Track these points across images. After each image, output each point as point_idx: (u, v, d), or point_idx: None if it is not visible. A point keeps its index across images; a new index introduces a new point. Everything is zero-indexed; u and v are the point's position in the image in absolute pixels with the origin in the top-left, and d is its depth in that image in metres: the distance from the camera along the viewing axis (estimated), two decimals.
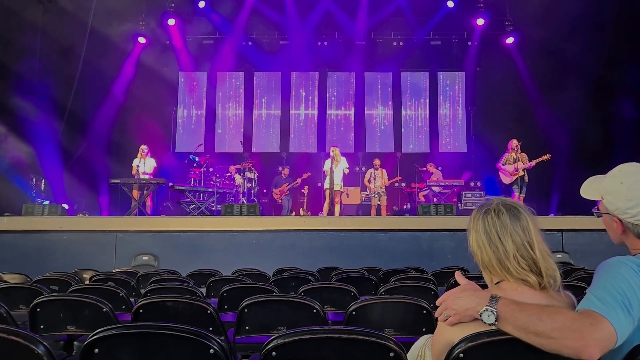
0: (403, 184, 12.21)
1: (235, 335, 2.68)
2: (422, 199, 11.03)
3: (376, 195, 10.48)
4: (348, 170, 10.24)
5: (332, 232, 7.36)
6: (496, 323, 1.37)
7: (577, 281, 3.33)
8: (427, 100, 14.01)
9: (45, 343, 1.51)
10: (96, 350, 1.53)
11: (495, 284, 1.55)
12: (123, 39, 12.10)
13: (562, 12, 10.68)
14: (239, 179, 11.03)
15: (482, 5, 12.80)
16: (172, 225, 7.58)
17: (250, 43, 13.77)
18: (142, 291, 3.72)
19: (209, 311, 2.57)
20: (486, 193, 11.30)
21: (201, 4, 12.90)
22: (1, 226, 7.21)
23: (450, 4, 12.81)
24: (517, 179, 9.29)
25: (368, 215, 10.41)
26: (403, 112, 13.96)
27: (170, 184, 9.89)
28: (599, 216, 1.68)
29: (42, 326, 2.73)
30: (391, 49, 13.82)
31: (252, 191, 11.18)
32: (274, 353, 1.47)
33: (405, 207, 12.21)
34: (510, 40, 12.68)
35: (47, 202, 8.89)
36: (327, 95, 14.06)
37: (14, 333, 1.51)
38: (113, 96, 12.13)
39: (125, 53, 12.49)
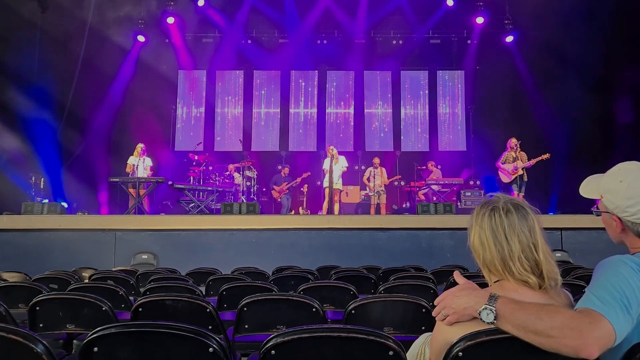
0: (402, 183, 12.22)
1: (235, 334, 2.69)
2: (422, 197, 11.04)
3: (375, 194, 10.48)
4: (346, 169, 10.23)
5: (331, 230, 7.36)
6: (495, 322, 1.37)
7: (576, 280, 3.33)
8: (427, 99, 14.01)
9: (44, 342, 1.51)
10: (95, 349, 1.53)
11: (494, 282, 1.55)
12: (122, 37, 12.08)
13: (562, 10, 10.68)
14: (238, 178, 11.03)
15: (481, 3, 12.78)
16: (171, 223, 7.58)
17: (249, 41, 13.77)
18: (142, 290, 3.72)
19: (208, 310, 2.57)
20: (485, 192, 11.31)
21: (200, 2, 12.88)
22: (1, 225, 7.21)
23: (450, 3, 12.79)
24: (516, 177, 9.30)
25: (367, 214, 10.41)
26: (402, 111, 13.96)
27: (170, 182, 9.88)
28: (598, 215, 1.68)
29: (41, 325, 2.73)
30: (391, 47, 13.82)
31: (252, 190, 11.17)
32: (273, 352, 1.47)
33: (404, 205, 12.22)
34: (509, 38, 12.67)
35: (46, 201, 8.89)
36: (327, 93, 14.05)
37: (14, 332, 1.51)
38: (112, 95, 12.11)
39: (124, 51, 12.47)
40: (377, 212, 10.41)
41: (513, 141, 9.48)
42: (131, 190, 9.01)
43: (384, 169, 10.81)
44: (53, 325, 2.75)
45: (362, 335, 1.47)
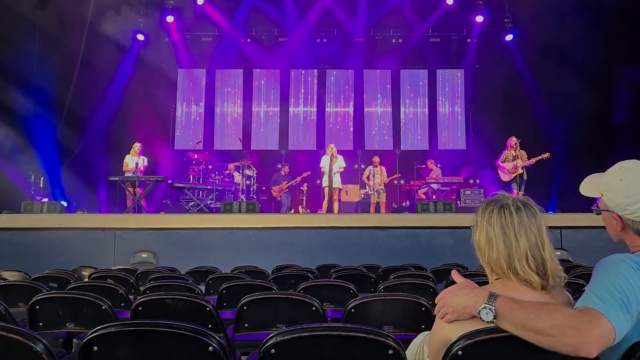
0: (402, 181, 12.22)
1: (235, 333, 2.69)
2: (422, 196, 11.04)
3: (375, 193, 10.48)
4: (343, 169, 10.20)
5: (331, 229, 7.36)
6: (495, 321, 1.37)
7: (575, 278, 3.34)
8: (426, 98, 14.01)
9: (44, 340, 1.51)
10: (95, 348, 1.53)
11: (495, 280, 1.55)
12: (122, 35, 12.07)
13: (561, 9, 10.67)
14: (238, 177, 11.03)
15: (481, 2, 12.79)
16: (171, 222, 7.58)
17: (249, 40, 13.75)
18: (141, 288, 3.72)
19: (208, 308, 2.57)
20: (485, 190, 11.31)
21: (200, 1, 12.87)
22: (0, 223, 7.21)
23: (450, 1, 12.78)
24: (516, 176, 9.31)
25: (367, 213, 10.41)
26: (402, 109, 13.96)
27: (170, 181, 9.88)
28: (598, 214, 1.68)
29: (41, 324, 2.73)
30: (390, 46, 13.81)
31: (251, 188, 11.17)
32: (273, 350, 1.47)
33: (404, 204, 12.22)
34: (509, 37, 12.67)
35: (45, 200, 8.89)
36: (326, 92, 14.04)
37: (13, 331, 1.51)
38: (112, 93, 12.09)
39: (123, 50, 12.45)
40: (377, 210, 10.41)
41: (513, 140, 9.49)
42: (130, 189, 9.00)
43: (383, 168, 10.81)
44: (53, 324, 2.75)
45: (361, 334, 1.47)
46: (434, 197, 10.38)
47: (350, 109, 13.99)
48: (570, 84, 10.84)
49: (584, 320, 1.28)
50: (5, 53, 9.56)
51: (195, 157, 10.99)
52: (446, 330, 1.48)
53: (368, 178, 10.62)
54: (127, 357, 1.58)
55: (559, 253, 6.45)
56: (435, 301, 1.54)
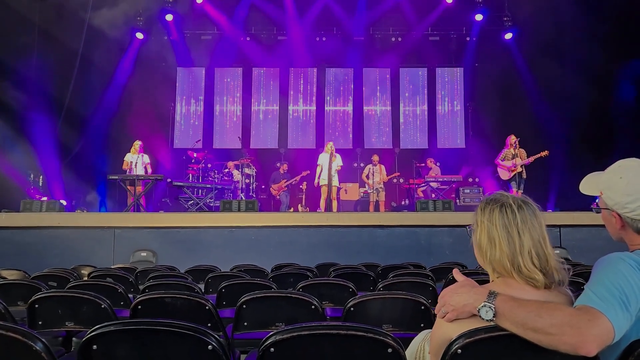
0: (401, 180, 12.22)
1: (234, 332, 2.69)
2: (421, 194, 11.04)
3: (374, 191, 10.48)
4: (340, 168, 10.19)
5: (330, 228, 7.36)
6: (494, 319, 1.37)
7: (575, 277, 3.33)
8: (426, 96, 14.00)
9: (43, 339, 1.51)
10: (94, 347, 1.53)
11: (497, 278, 1.55)
12: (121, 34, 12.05)
13: (561, 7, 10.67)
14: (237, 175, 11.03)
15: (480, 1, 12.77)
16: (170, 221, 7.58)
17: (248, 38, 13.73)
18: (141, 287, 3.72)
19: (207, 307, 2.57)
20: (484, 189, 11.31)
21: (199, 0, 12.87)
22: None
23: (449, 0, 12.78)
24: (515, 175, 9.31)
25: (366, 211, 10.41)
26: (401, 108, 13.95)
27: (169, 179, 9.88)
28: (598, 212, 1.68)
29: (40, 322, 2.73)
30: (390, 44, 13.79)
31: (251, 187, 11.18)
32: (272, 349, 1.47)
33: (403, 203, 12.22)
34: (508, 35, 12.66)
35: (45, 198, 8.88)
36: (326, 91, 14.03)
37: (12, 329, 1.51)
38: (111, 92, 12.08)
39: (123, 49, 12.45)
40: (376, 209, 10.41)
41: (512, 138, 9.49)
42: (130, 187, 9.00)
43: (382, 166, 10.81)
44: (52, 322, 2.75)
45: (361, 332, 1.47)
46: (433, 195, 10.38)
47: (350, 108, 13.98)
48: (570, 83, 10.86)
49: (584, 319, 1.28)
50: (5, 51, 9.55)
51: (195, 155, 10.98)
52: (446, 329, 1.48)
53: (367, 177, 10.62)
54: (126, 356, 1.58)
55: (557, 251, 6.46)
56: (438, 300, 1.54)
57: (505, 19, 12.74)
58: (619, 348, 1.36)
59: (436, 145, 13.59)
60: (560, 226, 7.10)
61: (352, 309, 2.49)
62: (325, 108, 13.97)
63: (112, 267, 5.58)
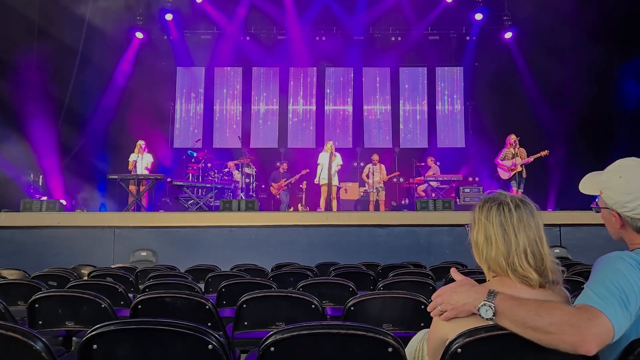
0: (401, 179, 12.21)
1: (234, 331, 2.69)
2: (422, 194, 11.04)
3: (374, 191, 10.48)
4: (339, 167, 10.19)
5: (330, 227, 7.36)
6: (494, 318, 1.37)
7: (574, 276, 3.34)
8: (426, 96, 14.00)
9: (43, 339, 1.51)
10: (95, 346, 1.53)
11: (493, 277, 1.55)
12: (120, 34, 12.05)
13: (560, 6, 10.66)
14: (237, 175, 11.03)
15: (480, 0, 12.78)
16: (170, 220, 7.58)
17: (248, 38, 13.73)
18: (141, 287, 3.72)
19: (207, 307, 2.57)
20: (484, 188, 11.31)
21: None
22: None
23: None
24: (515, 174, 9.31)
25: (366, 211, 10.41)
26: (401, 107, 13.95)
27: (169, 179, 9.88)
28: (597, 211, 1.68)
29: (40, 322, 2.73)
30: (389, 44, 13.79)
31: (251, 186, 11.17)
32: (272, 348, 1.47)
33: (403, 202, 12.22)
34: (508, 35, 12.66)
35: (45, 198, 8.88)
36: (325, 90, 14.03)
37: (12, 329, 1.51)
38: (111, 92, 12.08)
39: (122, 48, 12.44)
40: (376, 208, 10.41)
41: (512, 137, 9.49)
42: (130, 187, 9.00)
43: (382, 166, 10.81)
44: (52, 322, 2.75)
45: (361, 331, 1.47)
46: (433, 194, 10.38)
47: (350, 107, 13.98)
48: (569, 82, 10.85)
49: (583, 318, 1.28)
50: (5, 51, 9.54)
51: (195, 155, 10.98)
52: (444, 328, 1.48)
53: (367, 176, 10.62)
54: (126, 356, 1.58)
55: (557, 250, 6.47)
56: (432, 298, 1.53)
57: (505, 18, 12.74)
58: (619, 347, 1.36)
59: (436, 145, 13.59)
60: (560, 225, 7.10)
61: (352, 308, 2.48)
62: (325, 107, 13.97)
63: (112, 266, 5.58)
